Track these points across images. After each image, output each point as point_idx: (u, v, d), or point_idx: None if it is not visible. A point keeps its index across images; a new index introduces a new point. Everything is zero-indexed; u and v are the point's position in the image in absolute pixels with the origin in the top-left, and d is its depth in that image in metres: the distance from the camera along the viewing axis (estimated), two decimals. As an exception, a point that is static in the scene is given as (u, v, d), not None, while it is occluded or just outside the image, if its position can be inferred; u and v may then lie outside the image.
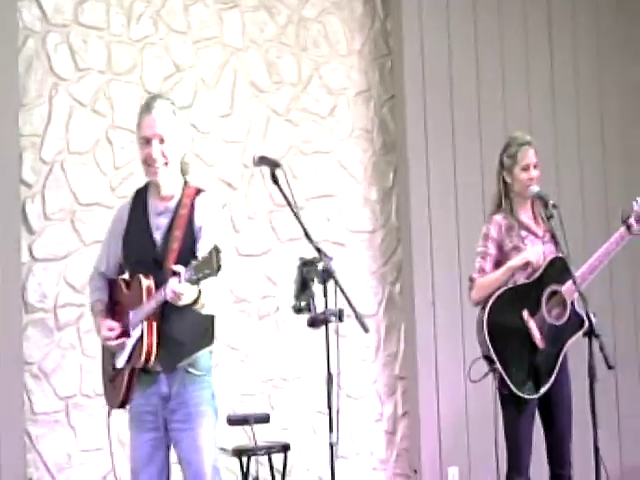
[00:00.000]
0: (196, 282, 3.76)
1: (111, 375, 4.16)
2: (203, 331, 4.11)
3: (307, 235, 3.97)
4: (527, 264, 4.83)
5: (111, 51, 5.60)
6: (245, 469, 5.39)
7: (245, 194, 5.94)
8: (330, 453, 3.89)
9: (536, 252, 4.88)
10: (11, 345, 5.20)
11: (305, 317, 4.03)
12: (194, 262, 3.71)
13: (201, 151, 5.79)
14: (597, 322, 4.53)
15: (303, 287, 4.02)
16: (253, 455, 5.32)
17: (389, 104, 6.44)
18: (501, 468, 4.95)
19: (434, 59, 6.36)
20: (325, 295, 3.94)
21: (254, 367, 5.86)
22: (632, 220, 4.93)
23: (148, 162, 4.07)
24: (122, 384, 4.09)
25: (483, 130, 6.44)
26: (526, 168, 4.92)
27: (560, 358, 4.84)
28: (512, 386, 4.73)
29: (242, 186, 5.93)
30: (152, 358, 3.99)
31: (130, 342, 4.05)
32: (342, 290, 3.88)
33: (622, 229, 4.92)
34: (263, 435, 5.31)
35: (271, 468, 5.46)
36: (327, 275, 3.93)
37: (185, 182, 4.15)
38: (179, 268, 3.76)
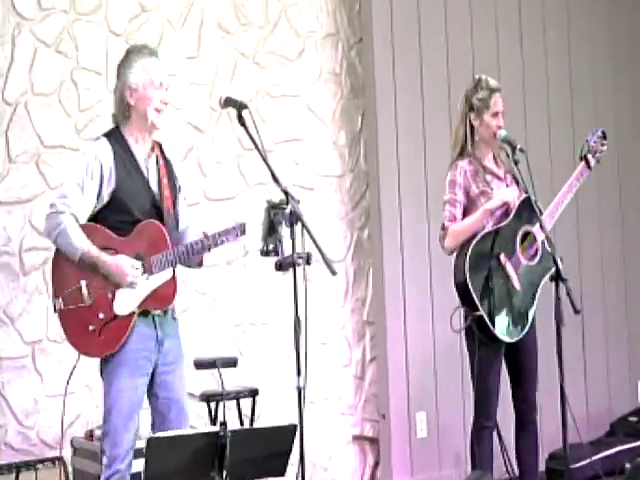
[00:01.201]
0: None
1: (99, 325, 4.10)
2: None
3: (274, 178, 3.96)
4: (504, 204, 4.83)
5: (75, -10, 5.50)
6: (213, 414, 5.39)
7: (212, 138, 5.87)
8: (298, 397, 3.89)
9: (510, 192, 4.88)
10: (-25, 289, 5.17)
11: (273, 260, 4.02)
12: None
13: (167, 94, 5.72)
14: (564, 267, 4.55)
15: (271, 230, 4.01)
16: (221, 400, 5.32)
17: (357, 47, 6.37)
18: (468, 413, 4.98)
19: (402, 1, 6.29)
20: (292, 238, 3.92)
21: (222, 312, 5.84)
22: (589, 155, 5.03)
23: (160, 107, 4.20)
24: (125, 330, 4.11)
25: (451, 73, 6.40)
26: (496, 115, 4.91)
27: (536, 299, 4.87)
28: (496, 332, 4.73)
29: (209, 129, 5.87)
30: None
31: (148, 286, 4.12)
32: (309, 233, 3.87)
33: (581, 165, 5.03)
34: (231, 380, 5.30)
35: (239, 413, 5.46)
36: (295, 218, 3.92)
37: None
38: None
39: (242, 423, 5.46)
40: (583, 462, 5.93)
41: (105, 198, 4.15)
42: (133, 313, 4.11)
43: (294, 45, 6.18)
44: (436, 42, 6.41)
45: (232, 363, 4.86)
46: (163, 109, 4.22)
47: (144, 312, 4.14)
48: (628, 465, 5.81)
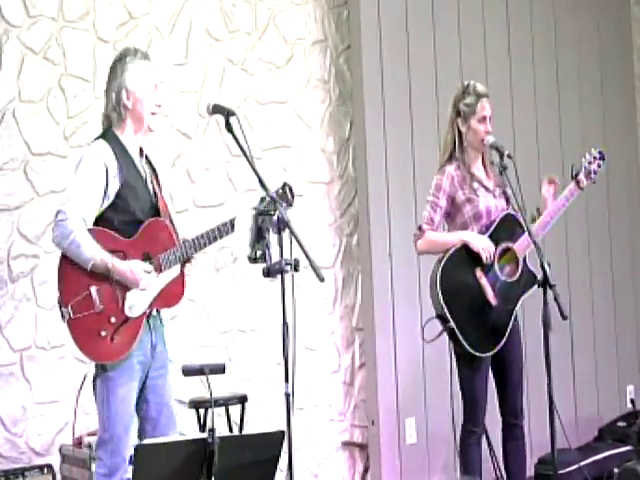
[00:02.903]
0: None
1: (110, 330, 4.06)
2: None
3: (262, 184, 3.97)
4: (478, 252, 4.79)
5: (63, -3, 5.50)
6: (202, 421, 5.39)
7: (201, 144, 5.87)
8: (286, 404, 3.89)
9: (488, 242, 4.81)
10: (-37, 297, 5.16)
11: (261, 267, 4.02)
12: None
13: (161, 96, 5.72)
14: (551, 272, 4.54)
15: (258, 237, 4.01)
16: (210, 407, 5.31)
17: (346, 54, 6.39)
18: (457, 418, 4.99)
19: (390, 8, 6.30)
20: (280, 245, 3.93)
21: (211, 319, 5.84)
22: (582, 176, 4.98)
23: (155, 110, 4.26)
24: (136, 331, 4.09)
25: (439, 80, 6.41)
26: (483, 120, 4.91)
27: (513, 315, 4.86)
28: (466, 346, 4.74)
29: (198, 136, 5.87)
30: None
31: (158, 285, 4.12)
32: (297, 239, 3.88)
33: (572, 185, 4.99)
34: (220, 387, 5.30)
35: (228, 420, 5.46)
36: (282, 225, 3.92)
37: None
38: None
39: (231, 430, 5.45)
40: (571, 467, 5.93)
41: (111, 197, 4.11)
42: (144, 314, 4.12)
43: (282, 52, 6.19)
44: (424, 49, 6.42)
45: (220, 370, 4.85)
46: (157, 112, 4.27)
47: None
48: (616, 470, 5.82)
